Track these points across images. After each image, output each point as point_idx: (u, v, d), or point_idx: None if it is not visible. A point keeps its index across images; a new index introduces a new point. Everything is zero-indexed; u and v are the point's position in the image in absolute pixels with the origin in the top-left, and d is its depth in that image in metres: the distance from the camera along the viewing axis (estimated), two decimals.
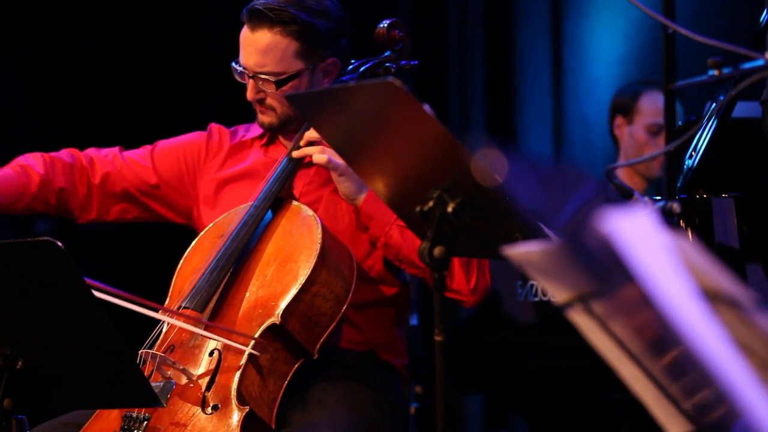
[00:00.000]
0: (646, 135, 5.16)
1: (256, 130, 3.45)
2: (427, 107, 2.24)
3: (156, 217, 3.52)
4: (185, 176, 3.47)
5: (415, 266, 3.16)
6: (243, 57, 3.29)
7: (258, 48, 3.25)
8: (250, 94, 3.30)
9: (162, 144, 3.51)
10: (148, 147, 3.51)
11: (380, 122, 2.39)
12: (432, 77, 5.80)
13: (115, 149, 3.51)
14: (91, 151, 3.49)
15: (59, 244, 2.48)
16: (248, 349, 2.99)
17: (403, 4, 5.82)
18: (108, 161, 3.47)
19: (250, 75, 3.28)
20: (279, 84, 3.25)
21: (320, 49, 3.27)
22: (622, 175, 5.18)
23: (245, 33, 3.29)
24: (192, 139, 3.51)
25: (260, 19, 3.24)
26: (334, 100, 2.50)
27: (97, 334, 2.58)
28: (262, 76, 3.26)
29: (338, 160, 3.16)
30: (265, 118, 3.33)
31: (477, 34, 5.94)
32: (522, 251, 1.74)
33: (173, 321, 3.06)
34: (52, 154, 3.44)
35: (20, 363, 2.59)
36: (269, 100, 3.29)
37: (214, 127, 3.52)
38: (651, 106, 5.17)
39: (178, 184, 3.47)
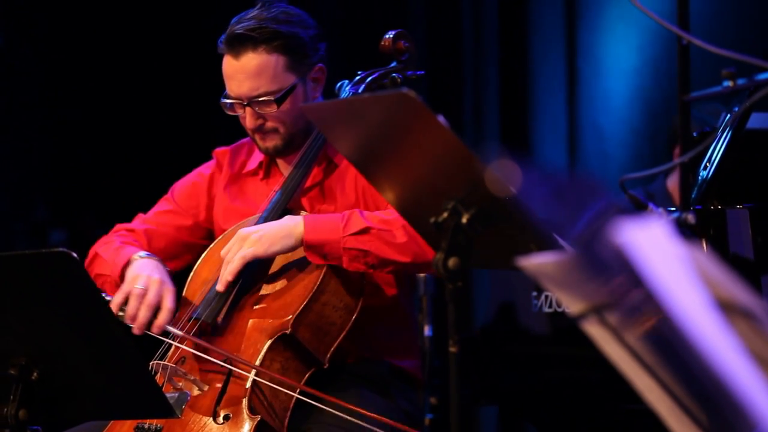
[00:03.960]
0: None
1: (256, 157, 3.40)
2: (441, 118, 2.23)
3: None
4: (203, 206, 3.44)
5: (389, 263, 3.06)
6: (233, 87, 3.21)
7: (249, 73, 3.18)
8: (249, 123, 3.22)
9: (177, 187, 3.48)
10: (165, 197, 3.48)
11: (394, 133, 2.39)
12: (446, 88, 5.81)
13: (138, 215, 3.46)
14: (124, 225, 3.45)
15: (74, 255, 2.49)
16: (251, 376, 3.00)
17: (416, 14, 5.82)
18: (141, 223, 3.43)
19: (246, 103, 3.20)
20: (279, 101, 3.19)
21: (307, 58, 3.24)
22: (675, 192, 5.15)
23: (229, 63, 3.20)
24: (203, 171, 3.47)
25: (242, 43, 3.17)
26: (349, 111, 2.50)
27: (112, 345, 2.59)
28: (261, 99, 3.19)
29: (244, 248, 3.06)
30: (269, 143, 3.26)
31: (491, 44, 5.94)
32: (537, 262, 1.74)
33: (184, 347, 3.06)
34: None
35: (35, 374, 2.59)
36: (270, 123, 3.23)
37: (218, 153, 3.47)
38: None
39: (198, 214, 3.44)
